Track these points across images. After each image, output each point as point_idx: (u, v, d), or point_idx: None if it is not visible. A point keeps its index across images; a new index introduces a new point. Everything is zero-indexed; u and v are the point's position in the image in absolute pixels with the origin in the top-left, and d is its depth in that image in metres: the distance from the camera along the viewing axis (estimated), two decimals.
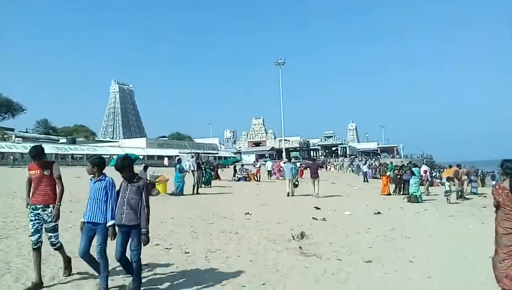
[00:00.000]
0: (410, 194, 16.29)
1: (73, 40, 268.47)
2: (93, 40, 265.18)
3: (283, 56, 63.08)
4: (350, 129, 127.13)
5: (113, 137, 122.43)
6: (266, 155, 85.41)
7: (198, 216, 10.47)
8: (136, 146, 66.32)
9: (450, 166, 25.20)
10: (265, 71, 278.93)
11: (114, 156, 32.58)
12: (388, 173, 21.18)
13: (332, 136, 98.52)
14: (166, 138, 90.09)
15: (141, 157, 58.61)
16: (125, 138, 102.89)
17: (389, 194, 18.87)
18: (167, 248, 6.83)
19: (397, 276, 5.64)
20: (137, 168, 17.80)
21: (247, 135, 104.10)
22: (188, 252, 6.59)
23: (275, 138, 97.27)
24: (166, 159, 53.62)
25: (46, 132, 78.33)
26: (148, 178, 15.95)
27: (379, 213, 12.15)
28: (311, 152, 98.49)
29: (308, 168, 18.69)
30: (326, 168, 56.29)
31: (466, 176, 20.02)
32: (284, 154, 69.84)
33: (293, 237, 7.82)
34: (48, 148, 42.36)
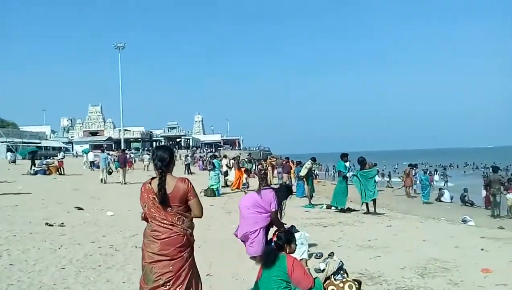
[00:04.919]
0: (208, 187, 15.26)
1: None
2: None
3: (125, 40, 57.18)
4: (196, 121, 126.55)
5: None
6: (104, 145, 78.81)
7: None
8: None
9: (265, 160, 25.79)
10: (107, 55, 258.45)
11: None
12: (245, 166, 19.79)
13: (175, 127, 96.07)
14: None
15: None
16: None
17: (238, 188, 16.83)
18: None
19: None
20: None
21: (82, 124, 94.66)
22: None
23: (114, 127, 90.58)
24: None
25: None
26: None
27: None
28: (154, 143, 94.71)
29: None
30: None
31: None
32: (123, 144, 65.06)
33: None
34: None
